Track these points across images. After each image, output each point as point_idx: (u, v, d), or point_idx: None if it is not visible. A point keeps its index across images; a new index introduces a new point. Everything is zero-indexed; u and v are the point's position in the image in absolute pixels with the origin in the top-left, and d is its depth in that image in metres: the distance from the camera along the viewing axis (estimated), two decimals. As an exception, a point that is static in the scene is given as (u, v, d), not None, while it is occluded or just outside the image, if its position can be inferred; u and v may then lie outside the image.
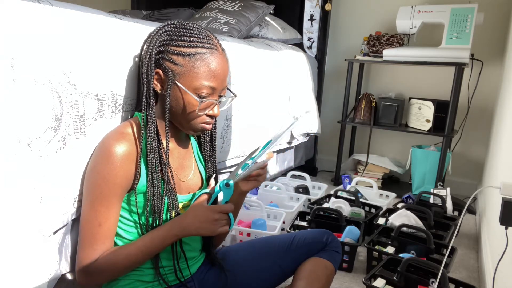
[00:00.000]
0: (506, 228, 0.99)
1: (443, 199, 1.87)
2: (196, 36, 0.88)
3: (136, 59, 0.97)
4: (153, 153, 0.87)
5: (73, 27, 0.83)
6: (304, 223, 1.65)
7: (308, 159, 2.73)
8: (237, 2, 2.25)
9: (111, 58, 0.92)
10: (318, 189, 2.23)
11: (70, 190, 0.85)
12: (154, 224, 0.90)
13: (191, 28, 0.89)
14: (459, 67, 2.11)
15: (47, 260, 0.82)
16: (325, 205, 1.88)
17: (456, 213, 1.91)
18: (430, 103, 2.30)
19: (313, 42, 2.64)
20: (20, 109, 0.72)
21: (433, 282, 1.19)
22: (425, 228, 1.49)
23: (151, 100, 0.88)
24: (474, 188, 2.50)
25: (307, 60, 2.42)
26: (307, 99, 2.34)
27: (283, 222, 1.69)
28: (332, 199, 1.89)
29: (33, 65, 0.74)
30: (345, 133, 2.56)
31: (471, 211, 2.20)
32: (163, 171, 0.89)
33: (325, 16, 2.58)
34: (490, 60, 2.37)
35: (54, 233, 0.84)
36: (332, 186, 2.45)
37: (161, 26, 0.90)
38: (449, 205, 1.87)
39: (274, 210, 1.77)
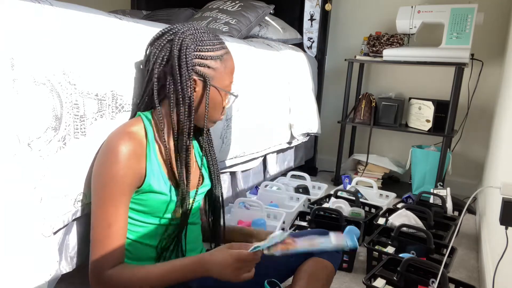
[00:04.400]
0: (506, 228, 0.99)
1: (443, 199, 1.86)
2: (215, 38, 0.94)
3: (141, 65, 0.98)
4: (183, 154, 0.91)
5: (73, 27, 0.83)
6: (304, 223, 1.65)
7: (308, 159, 2.73)
8: (237, 2, 2.24)
9: (111, 58, 0.92)
10: (318, 189, 2.23)
11: (70, 190, 0.85)
12: (163, 221, 0.91)
13: (208, 31, 0.94)
14: (459, 67, 2.11)
15: (47, 260, 0.82)
16: (325, 205, 1.88)
17: (456, 213, 1.92)
18: (430, 103, 2.30)
19: (313, 42, 2.63)
20: (20, 109, 0.72)
21: (433, 282, 1.19)
22: (425, 228, 1.49)
23: (192, 108, 0.90)
24: (474, 188, 2.50)
25: (307, 60, 2.42)
26: (307, 99, 2.34)
27: (283, 222, 1.69)
28: (332, 199, 1.89)
29: (33, 65, 0.74)
30: (345, 133, 2.56)
31: (471, 211, 2.20)
32: (183, 171, 0.92)
33: (325, 16, 2.58)
34: (490, 60, 2.37)
35: (55, 233, 0.84)
36: (332, 186, 2.45)
37: (180, 35, 0.89)
38: (449, 205, 1.87)
39: (274, 210, 1.77)
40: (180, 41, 0.88)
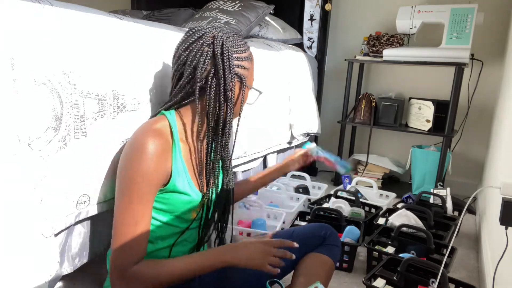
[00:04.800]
0: (506, 228, 0.99)
1: (443, 199, 1.87)
2: (242, 39, 0.99)
3: (172, 66, 0.99)
4: (218, 153, 0.95)
5: (73, 27, 0.83)
6: (304, 223, 1.65)
7: (308, 159, 2.73)
8: (237, 2, 2.24)
9: (112, 58, 0.92)
10: (318, 189, 2.23)
11: (72, 191, 0.85)
12: (181, 222, 0.94)
13: (235, 33, 0.99)
14: (459, 67, 2.11)
15: (47, 261, 0.82)
16: (325, 205, 1.88)
17: (456, 213, 1.92)
18: (430, 103, 2.30)
19: (313, 42, 2.63)
20: (20, 109, 0.72)
21: (433, 282, 1.19)
22: (425, 228, 1.49)
23: (233, 107, 0.95)
24: (474, 188, 2.50)
25: (307, 60, 2.42)
26: (307, 99, 2.34)
27: (283, 222, 1.69)
28: (332, 199, 1.89)
29: (33, 65, 0.74)
30: (345, 133, 2.56)
31: (471, 211, 2.20)
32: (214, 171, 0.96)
33: (325, 16, 2.58)
34: (490, 60, 2.37)
35: (56, 234, 0.84)
36: (332, 186, 2.45)
37: (215, 37, 0.91)
38: (449, 205, 1.87)
39: (274, 210, 1.77)
40: (221, 44, 0.91)
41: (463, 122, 2.47)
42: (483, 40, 2.36)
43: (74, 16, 0.84)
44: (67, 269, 0.89)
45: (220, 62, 0.90)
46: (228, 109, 0.93)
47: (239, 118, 1.01)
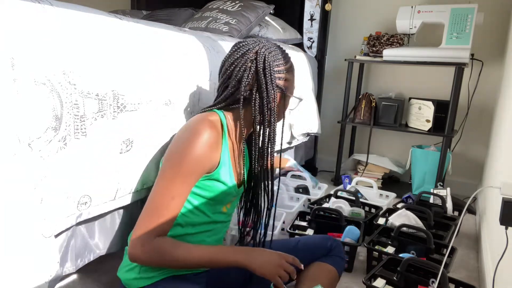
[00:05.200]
0: (506, 228, 0.99)
1: (443, 199, 1.86)
2: (284, 51, 1.04)
3: (220, 76, 1.06)
4: (256, 153, 1.03)
5: (73, 27, 0.83)
6: (304, 223, 1.65)
7: (308, 159, 2.73)
8: (237, 2, 2.24)
9: (112, 58, 0.92)
10: (318, 189, 2.23)
11: (72, 191, 0.85)
12: (216, 213, 1.01)
13: (276, 45, 1.04)
14: (459, 67, 2.11)
15: (47, 261, 0.82)
16: (325, 205, 1.88)
17: (456, 213, 1.91)
18: (430, 103, 2.30)
19: (313, 42, 2.63)
20: (20, 109, 0.72)
21: (433, 282, 1.19)
22: (425, 228, 1.49)
23: (275, 116, 1.01)
24: (474, 188, 2.50)
25: (307, 60, 2.42)
26: (307, 99, 2.34)
27: (283, 222, 1.69)
28: (332, 199, 1.89)
29: (33, 65, 0.74)
30: (345, 133, 2.56)
31: (471, 211, 2.20)
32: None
33: (325, 16, 2.58)
34: (490, 60, 2.37)
35: (57, 235, 0.84)
36: (332, 186, 2.45)
37: (262, 54, 0.99)
38: (449, 205, 1.87)
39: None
40: (263, 60, 0.98)
41: (463, 122, 2.47)
42: (483, 40, 2.36)
43: (74, 16, 0.84)
44: (69, 269, 0.89)
45: (263, 77, 0.98)
46: (272, 118, 1.00)
47: (283, 121, 1.09)
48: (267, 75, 0.98)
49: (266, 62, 0.98)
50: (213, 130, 0.92)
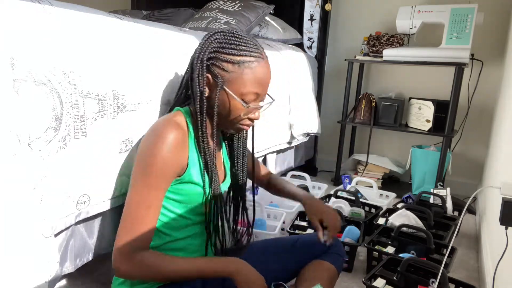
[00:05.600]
0: (506, 228, 1.00)
1: (443, 199, 1.86)
2: (245, 45, 0.92)
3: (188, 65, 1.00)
4: (206, 148, 0.93)
5: (73, 27, 0.83)
6: (304, 223, 1.65)
7: (308, 159, 2.73)
8: (237, 2, 2.24)
9: (112, 58, 0.92)
10: (318, 189, 2.23)
11: (72, 191, 0.85)
12: (193, 215, 0.95)
13: (241, 37, 0.93)
14: (459, 67, 2.11)
15: (47, 261, 0.82)
16: (325, 205, 1.88)
17: (456, 213, 1.91)
18: (430, 103, 2.30)
19: (313, 42, 2.63)
20: (20, 109, 0.72)
21: (433, 282, 1.19)
22: (425, 228, 1.49)
23: (204, 103, 0.91)
24: (474, 188, 2.50)
25: (307, 60, 2.42)
26: (307, 99, 2.34)
27: (283, 222, 1.69)
28: (332, 199, 1.89)
29: (33, 65, 0.74)
30: (345, 133, 2.56)
31: (471, 211, 2.20)
32: (210, 166, 0.94)
33: (325, 16, 2.58)
34: (490, 60, 2.37)
35: (56, 234, 0.84)
36: (332, 186, 2.45)
37: (211, 34, 0.93)
38: (449, 205, 1.87)
39: (274, 210, 1.77)
40: (210, 40, 0.91)
41: (463, 122, 2.47)
42: (483, 40, 2.36)
43: (74, 16, 0.84)
44: (68, 268, 0.89)
45: (196, 54, 0.91)
46: (198, 106, 0.91)
47: (253, 130, 1.04)
48: (201, 52, 0.90)
49: (212, 41, 0.91)
50: (177, 131, 0.87)
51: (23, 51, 0.72)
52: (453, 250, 1.39)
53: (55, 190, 0.81)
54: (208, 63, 0.91)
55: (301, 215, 1.71)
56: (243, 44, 0.91)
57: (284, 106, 2.05)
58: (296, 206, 1.84)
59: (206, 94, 0.92)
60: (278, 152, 2.18)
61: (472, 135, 2.49)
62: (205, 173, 0.94)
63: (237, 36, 0.93)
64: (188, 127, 0.92)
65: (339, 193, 1.95)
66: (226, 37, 0.92)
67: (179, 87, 1.01)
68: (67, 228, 0.86)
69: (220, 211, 1.01)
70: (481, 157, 2.49)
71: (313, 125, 2.40)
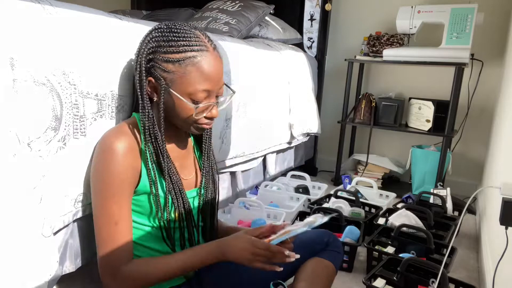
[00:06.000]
0: (506, 228, 0.99)
1: (443, 199, 1.86)
2: (184, 39, 0.84)
3: (133, 63, 0.97)
4: (151, 155, 0.87)
5: (73, 27, 0.83)
6: (304, 223, 1.65)
7: (308, 159, 2.73)
8: (237, 2, 2.24)
9: (111, 58, 0.92)
10: (318, 189, 2.23)
11: (70, 190, 0.85)
12: (162, 223, 0.90)
13: (178, 31, 0.85)
14: (459, 67, 2.11)
15: (47, 261, 0.82)
16: (325, 205, 1.88)
17: (456, 213, 1.91)
18: (430, 103, 2.30)
19: (313, 42, 2.63)
20: (20, 109, 0.72)
21: (433, 282, 1.19)
22: (425, 228, 1.49)
23: (147, 109, 0.86)
24: (474, 188, 2.50)
25: (307, 60, 2.42)
26: (307, 99, 2.34)
27: (283, 222, 1.69)
28: (332, 199, 1.89)
29: (33, 65, 0.74)
30: (345, 133, 2.56)
31: (471, 211, 2.20)
32: (166, 171, 0.89)
33: (325, 16, 2.58)
34: (490, 60, 2.37)
35: (55, 233, 0.84)
36: (332, 186, 2.45)
37: (148, 32, 0.88)
38: (449, 205, 1.87)
39: (274, 210, 1.77)
40: (147, 40, 0.85)
41: (463, 122, 2.47)
42: (483, 40, 2.36)
43: (74, 16, 0.84)
44: (69, 268, 0.89)
45: (136, 59, 0.86)
46: (146, 115, 0.86)
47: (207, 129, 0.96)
48: (139, 56, 0.85)
49: (144, 42, 0.86)
50: (124, 139, 0.83)
51: (23, 51, 0.72)
52: (453, 250, 1.39)
53: (55, 190, 0.81)
54: (148, 65, 0.85)
55: (301, 215, 1.71)
56: (182, 38, 0.84)
57: (284, 106, 2.05)
58: (296, 206, 1.84)
59: (155, 99, 0.88)
60: (278, 152, 2.18)
61: (472, 135, 2.49)
62: (163, 180, 0.89)
63: (175, 30, 0.85)
64: (141, 133, 0.88)
65: (339, 193, 1.95)
66: (163, 33, 0.85)
67: (133, 91, 0.95)
68: (65, 227, 0.86)
69: (186, 219, 0.94)
70: (481, 157, 2.49)
71: (313, 125, 2.40)
